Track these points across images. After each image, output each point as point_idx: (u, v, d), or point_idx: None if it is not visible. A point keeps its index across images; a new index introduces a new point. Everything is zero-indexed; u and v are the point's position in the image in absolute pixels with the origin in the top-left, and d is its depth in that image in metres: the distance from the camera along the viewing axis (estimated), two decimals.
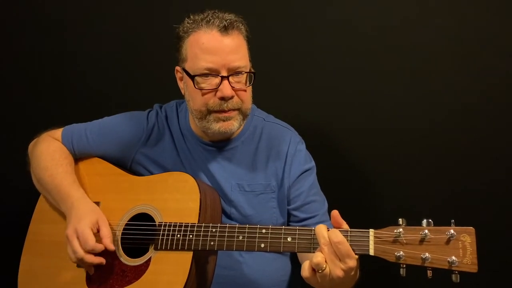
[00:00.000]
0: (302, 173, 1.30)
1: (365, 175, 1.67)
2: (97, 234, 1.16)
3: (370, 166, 1.66)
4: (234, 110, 1.20)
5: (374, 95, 1.63)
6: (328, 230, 0.95)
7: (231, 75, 1.17)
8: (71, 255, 1.15)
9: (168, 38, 1.27)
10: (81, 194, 1.24)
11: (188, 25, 1.19)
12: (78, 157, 1.36)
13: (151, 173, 1.31)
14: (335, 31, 1.63)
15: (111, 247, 1.15)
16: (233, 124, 1.22)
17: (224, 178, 1.28)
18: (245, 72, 1.20)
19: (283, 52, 1.67)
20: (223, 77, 1.17)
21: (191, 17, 1.21)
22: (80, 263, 1.16)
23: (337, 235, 0.93)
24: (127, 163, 1.34)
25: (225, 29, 1.15)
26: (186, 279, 1.07)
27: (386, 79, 1.61)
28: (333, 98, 1.66)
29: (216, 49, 1.15)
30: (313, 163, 1.34)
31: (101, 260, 1.15)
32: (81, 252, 1.13)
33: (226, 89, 1.17)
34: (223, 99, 1.18)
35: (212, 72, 1.17)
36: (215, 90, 1.18)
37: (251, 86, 1.24)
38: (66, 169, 1.29)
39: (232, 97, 1.18)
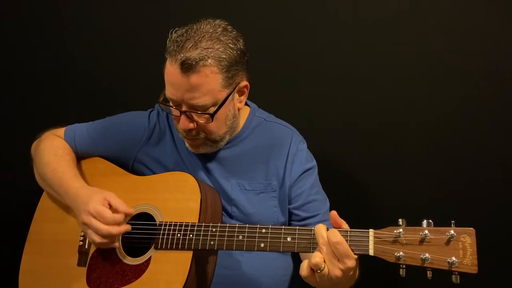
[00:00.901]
0: (303, 172, 1.30)
1: (365, 175, 1.67)
2: (110, 208, 1.15)
3: (370, 166, 1.65)
4: (198, 138, 1.22)
5: (374, 95, 1.62)
6: (328, 230, 0.95)
7: (191, 111, 1.16)
8: (95, 237, 1.13)
9: None
10: (81, 183, 1.24)
11: (168, 44, 1.15)
12: (80, 157, 1.37)
13: (153, 172, 1.32)
14: (336, 31, 1.62)
15: (131, 210, 1.15)
16: (200, 150, 1.25)
17: (225, 177, 1.28)
18: (203, 113, 1.15)
19: (283, 52, 1.67)
20: (181, 112, 1.16)
21: (170, 36, 1.16)
22: (107, 239, 1.14)
23: (335, 235, 0.93)
24: (129, 163, 1.35)
25: (186, 69, 1.10)
26: (186, 278, 1.07)
27: (386, 79, 1.61)
28: (333, 98, 1.66)
29: (175, 84, 1.13)
30: (314, 163, 1.34)
31: (127, 227, 1.14)
32: (105, 228, 1.12)
33: (181, 123, 1.17)
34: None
35: (173, 104, 1.18)
36: (178, 118, 1.19)
37: (224, 112, 1.19)
38: (68, 163, 1.29)
39: (190, 130, 1.19)
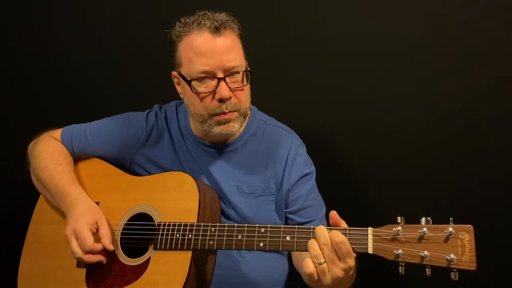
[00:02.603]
0: (302, 177, 1.29)
1: (364, 173, 1.67)
2: (96, 234, 1.16)
3: (369, 165, 1.65)
4: (233, 111, 1.20)
5: (373, 95, 1.63)
6: (329, 231, 0.95)
7: (228, 76, 1.16)
8: (72, 254, 1.16)
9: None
10: (79, 192, 1.24)
11: (180, 29, 1.18)
12: (77, 158, 1.37)
13: (150, 174, 1.31)
14: (335, 32, 1.63)
15: (110, 247, 1.15)
16: (234, 126, 1.22)
17: (223, 179, 1.28)
18: (241, 71, 1.19)
19: (283, 54, 1.67)
20: (219, 79, 1.16)
21: (182, 20, 1.19)
22: (79, 260, 1.16)
23: (338, 235, 0.93)
24: (126, 164, 1.35)
25: (216, 29, 1.14)
26: (185, 278, 1.07)
27: (385, 80, 1.61)
28: (332, 98, 1.66)
29: (209, 51, 1.14)
30: (313, 168, 1.34)
31: (100, 258, 1.15)
32: (79, 253, 1.13)
33: (223, 90, 1.16)
34: (222, 100, 1.17)
35: (208, 75, 1.16)
36: (213, 92, 1.17)
37: (249, 86, 1.23)
38: (65, 168, 1.29)
39: (230, 98, 1.18)
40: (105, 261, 1.17)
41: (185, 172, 1.26)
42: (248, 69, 1.22)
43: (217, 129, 1.21)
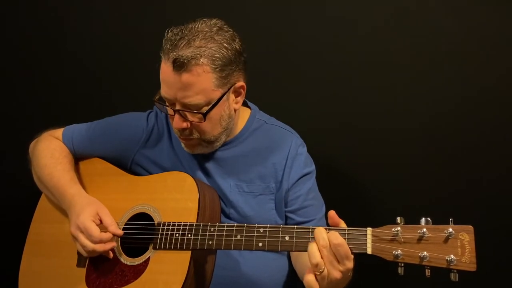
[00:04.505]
0: (302, 176, 1.29)
1: (364, 173, 1.66)
2: (100, 225, 1.16)
3: (369, 165, 1.65)
4: (192, 138, 1.21)
5: (372, 95, 1.62)
6: (328, 232, 0.95)
7: (184, 110, 1.15)
8: (82, 250, 1.16)
9: None
10: (77, 190, 1.24)
11: (163, 43, 1.15)
12: (78, 157, 1.37)
13: (151, 174, 1.31)
14: (335, 32, 1.62)
15: (119, 232, 1.16)
16: (195, 150, 1.25)
17: (223, 178, 1.28)
18: (196, 112, 1.14)
19: (283, 52, 1.67)
20: (175, 111, 1.16)
21: (166, 34, 1.15)
22: (93, 254, 1.16)
23: (336, 237, 0.93)
24: (127, 164, 1.35)
25: (178, 67, 1.09)
26: (185, 278, 1.07)
27: (385, 80, 1.61)
28: (332, 98, 1.65)
29: (169, 82, 1.13)
30: (313, 167, 1.33)
31: (112, 245, 1.15)
32: (90, 245, 1.13)
33: (175, 123, 1.17)
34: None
35: (168, 103, 1.17)
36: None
37: (219, 113, 1.18)
38: (65, 167, 1.29)
39: (185, 129, 1.18)
40: (107, 259, 1.17)
41: (185, 171, 1.26)
42: (205, 111, 1.14)
43: (182, 144, 1.26)
